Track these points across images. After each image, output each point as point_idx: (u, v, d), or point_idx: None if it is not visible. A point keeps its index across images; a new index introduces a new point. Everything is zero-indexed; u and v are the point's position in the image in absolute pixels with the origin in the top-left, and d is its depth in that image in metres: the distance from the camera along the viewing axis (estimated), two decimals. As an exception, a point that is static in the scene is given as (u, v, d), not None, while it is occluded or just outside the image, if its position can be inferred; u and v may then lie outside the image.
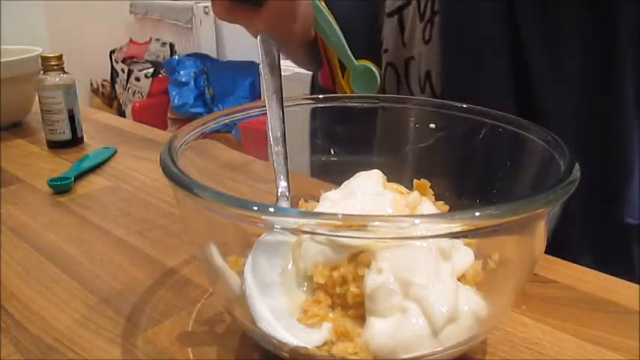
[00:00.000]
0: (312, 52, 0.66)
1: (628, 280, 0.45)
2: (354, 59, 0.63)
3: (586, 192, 0.56)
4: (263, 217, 0.29)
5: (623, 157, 0.57)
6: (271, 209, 0.29)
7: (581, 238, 0.58)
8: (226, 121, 0.44)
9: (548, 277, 0.45)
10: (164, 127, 2.73)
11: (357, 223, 0.28)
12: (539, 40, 0.55)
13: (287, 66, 0.56)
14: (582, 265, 0.47)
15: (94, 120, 0.95)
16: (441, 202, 0.42)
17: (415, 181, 0.43)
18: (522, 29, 0.55)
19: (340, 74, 0.65)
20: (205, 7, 2.88)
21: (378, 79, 0.62)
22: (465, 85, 0.59)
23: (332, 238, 0.33)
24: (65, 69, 0.80)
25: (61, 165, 0.73)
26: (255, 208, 0.28)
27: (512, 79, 0.57)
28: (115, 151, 0.77)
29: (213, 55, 2.95)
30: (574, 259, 0.48)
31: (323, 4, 0.61)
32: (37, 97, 0.81)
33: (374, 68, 0.63)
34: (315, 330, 0.32)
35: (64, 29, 3.41)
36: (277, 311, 0.33)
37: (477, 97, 0.55)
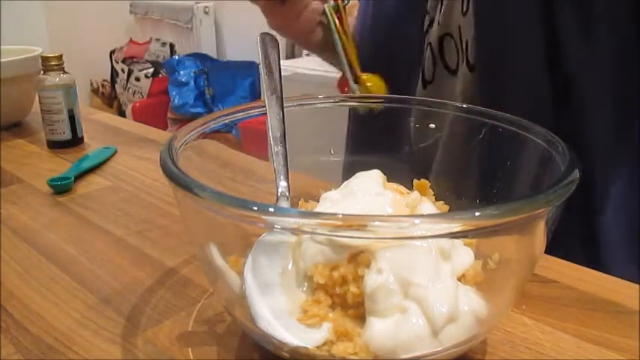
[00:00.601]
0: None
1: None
2: (353, 75, 0.63)
3: (626, 177, 0.55)
4: (263, 217, 0.29)
5: None
6: (271, 209, 0.29)
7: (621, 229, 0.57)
8: (226, 121, 0.44)
9: (548, 277, 0.45)
10: (164, 127, 2.74)
11: (357, 223, 0.28)
12: (570, 10, 0.54)
13: (287, 66, 0.57)
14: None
15: (94, 120, 0.95)
16: (441, 202, 0.42)
17: (415, 181, 0.43)
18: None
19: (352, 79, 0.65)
20: (205, 7, 2.89)
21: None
22: (496, 53, 0.59)
23: (332, 238, 0.33)
24: (65, 69, 0.80)
25: (61, 165, 0.73)
26: (255, 208, 0.28)
27: (542, 48, 0.55)
28: (115, 151, 0.77)
29: (213, 55, 2.95)
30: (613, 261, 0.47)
31: (332, 14, 0.61)
32: (37, 97, 0.81)
33: (370, 84, 0.62)
34: (315, 330, 0.32)
35: (64, 29, 3.41)
36: (277, 311, 0.33)
37: (508, 65, 0.55)
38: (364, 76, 0.63)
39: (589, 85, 0.55)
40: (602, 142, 0.55)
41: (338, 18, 0.62)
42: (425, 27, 0.66)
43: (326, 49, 0.65)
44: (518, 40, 0.57)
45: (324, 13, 0.62)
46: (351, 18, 0.74)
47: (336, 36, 0.62)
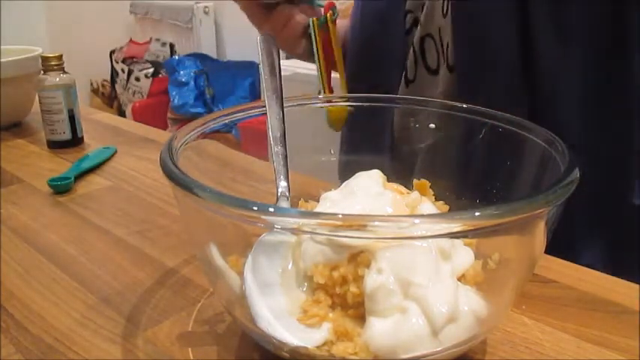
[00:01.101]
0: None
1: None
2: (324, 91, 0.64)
3: (593, 175, 0.56)
4: (263, 217, 0.29)
5: (629, 136, 0.56)
6: (271, 209, 0.29)
7: (591, 225, 0.58)
8: (226, 121, 0.44)
9: (548, 277, 0.45)
10: (164, 127, 2.74)
11: (357, 223, 0.28)
12: (543, 9, 0.55)
13: (287, 66, 0.57)
14: (594, 254, 0.47)
15: (94, 120, 0.95)
16: (441, 202, 0.42)
17: (415, 181, 0.43)
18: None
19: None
20: (205, 7, 2.89)
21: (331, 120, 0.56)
22: (474, 54, 0.60)
23: (332, 238, 0.33)
24: (65, 69, 0.80)
25: (61, 165, 0.73)
26: (255, 208, 0.28)
27: (517, 48, 0.57)
28: (115, 151, 0.77)
29: (213, 55, 2.95)
30: (582, 249, 0.48)
31: (315, 29, 0.62)
32: (37, 97, 0.81)
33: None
34: (315, 330, 0.32)
35: (64, 29, 3.41)
36: (277, 311, 0.33)
37: (485, 66, 0.55)
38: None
39: (563, 84, 0.56)
40: (578, 143, 0.56)
41: (326, 32, 0.63)
42: (408, 26, 0.67)
43: (311, 59, 0.66)
44: (495, 42, 0.58)
45: (309, 26, 0.63)
46: (345, 20, 0.74)
47: (315, 53, 0.63)
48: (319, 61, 0.64)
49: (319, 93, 0.66)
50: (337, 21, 0.66)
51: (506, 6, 0.56)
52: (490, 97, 0.57)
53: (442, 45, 0.63)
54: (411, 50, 0.66)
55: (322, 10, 0.65)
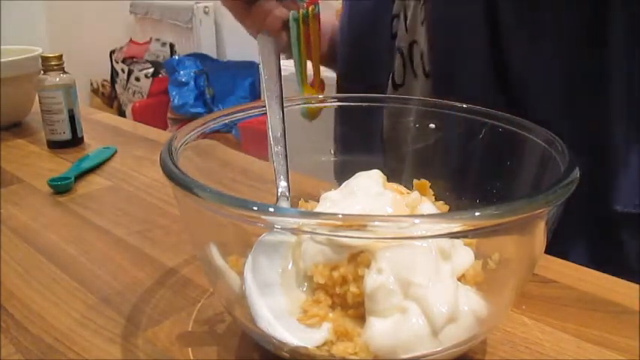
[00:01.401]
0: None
1: (622, 272, 0.45)
2: (300, 86, 0.64)
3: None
4: (263, 217, 0.29)
5: (607, 144, 0.57)
6: (271, 209, 0.29)
7: (573, 231, 0.58)
8: (226, 121, 0.44)
9: (548, 277, 0.45)
10: (164, 127, 2.73)
11: (357, 223, 0.28)
12: (512, 8, 0.56)
13: (287, 66, 0.57)
14: (575, 258, 0.47)
15: (94, 120, 0.95)
16: (441, 202, 0.42)
17: (415, 181, 0.43)
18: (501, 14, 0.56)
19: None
20: (205, 7, 2.88)
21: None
22: (447, 60, 0.61)
23: (332, 238, 0.33)
24: (65, 69, 0.80)
25: (61, 165, 0.73)
26: (255, 208, 0.28)
27: (490, 55, 0.58)
28: (115, 151, 0.77)
29: (213, 55, 2.95)
30: (566, 251, 0.48)
31: (295, 22, 0.62)
32: (37, 97, 0.81)
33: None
34: (315, 330, 0.32)
35: (64, 29, 3.41)
36: (277, 311, 0.33)
37: (458, 72, 0.57)
38: (306, 92, 0.64)
39: (537, 87, 0.57)
40: None
41: (306, 26, 0.63)
42: (394, 30, 0.67)
43: (290, 54, 0.66)
44: (467, 49, 0.60)
45: (288, 20, 0.62)
46: (331, 19, 0.75)
47: (295, 46, 0.63)
48: (299, 55, 0.63)
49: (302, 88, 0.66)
50: (321, 18, 0.65)
51: (477, 14, 0.57)
52: (464, 102, 0.59)
53: (422, 52, 0.64)
54: (400, 55, 0.66)
55: (305, 4, 0.65)
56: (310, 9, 0.63)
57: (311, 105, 0.50)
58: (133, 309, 0.42)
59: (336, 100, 0.50)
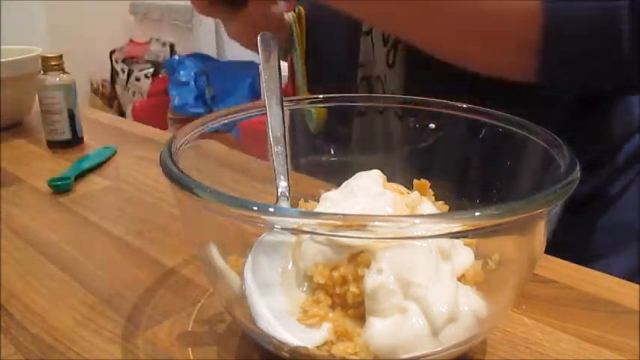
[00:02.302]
0: None
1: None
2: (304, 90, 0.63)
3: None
4: (263, 217, 0.29)
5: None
6: (271, 209, 0.29)
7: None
8: (226, 121, 0.44)
9: (548, 277, 0.45)
10: (164, 127, 2.73)
11: (357, 223, 0.28)
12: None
13: (287, 66, 0.57)
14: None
15: (94, 120, 0.95)
16: (441, 202, 0.42)
17: (415, 181, 0.43)
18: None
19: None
20: (205, 7, 2.88)
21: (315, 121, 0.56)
22: None
23: (332, 238, 0.33)
24: (65, 69, 0.80)
25: (61, 165, 0.73)
26: (255, 208, 0.28)
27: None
28: (115, 151, 0.77)
29: (213, 55, 2.95)
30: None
31: (295, 23, 0.61)
32: (37, 97, 0.81)
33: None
34: (315, 330, 0.32)
35: (64, 29, 3.41)
36: (277, 311, 0.33)
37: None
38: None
39: None
40: None
41: (300, 26, 0.62)
42: (360, 60, 0.67)
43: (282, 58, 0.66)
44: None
45: (287, 21, 0.61)
46: None
47: (296, 46, 0.62)
48: (299, 55, 0.63)
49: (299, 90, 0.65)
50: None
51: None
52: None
53: (387, 91, 0.64)
54: (365, 83, 0.67)
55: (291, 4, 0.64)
56: (300, 8, 0.62)
57: (316, 106, 0.49)
58: (133, 309, 0.42)
59: (336, 100, 0.50)
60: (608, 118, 0.63)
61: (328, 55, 0.69)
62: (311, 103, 0.49)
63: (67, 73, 0.80)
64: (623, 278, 0.45)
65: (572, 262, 0.47)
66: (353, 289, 0.32)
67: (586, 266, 0.47)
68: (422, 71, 0.58)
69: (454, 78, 0.53)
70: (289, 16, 0.61)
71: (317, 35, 0.68)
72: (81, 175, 0.69)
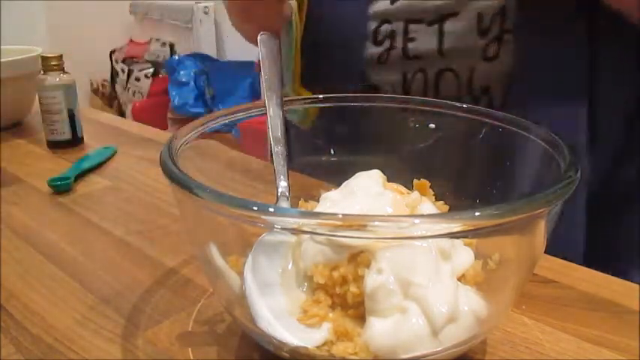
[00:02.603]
0: None
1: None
2: (289, 84, 0.62)
3: None
4: (263, 217, 0.29)
5: None
6: (271, 209, 0.29)
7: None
8: (226, 121, 0.44)
9: (548, 277, 0.45)
10: (164, 127, 2.73)
11: (357, 223, 0.28)
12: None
13: (287, 66, 0.57)
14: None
15: (94, 120, 0.95)
16: (441, 202, 0.42)
17: (415, 181, 0.43)
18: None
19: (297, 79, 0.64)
20: (205, 7, 2.88)
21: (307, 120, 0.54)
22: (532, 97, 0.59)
23: (332, 238, 0.33)
24: (65, 69, 0.80)
25: (61, 165, 0.73)
26: (255, 208, 0.28)
27: (585, 101, 0.57)
28: (115, 151, 0.77)
29: (213, 55, 2.95)
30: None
31: (296, 13, 0.60)
32: (37, 97, 0.81)
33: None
34: (315, 330, 0.32)
35: (64, 29, 3.41)
36: (277, 311, 0.33)
37: (543, 110, 0.56)
38: (302, 90, 0.63)
39: None
40: None
41: (300, 16, 0.61)
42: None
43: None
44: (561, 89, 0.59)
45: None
46: None
47: (293, 39, 0.61)
48: (294, 52, 0.62)
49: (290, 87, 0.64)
50: None
51: None
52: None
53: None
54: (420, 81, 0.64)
55: None
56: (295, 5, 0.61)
57: (316, 106, 0.49)
58: (133, 309, 0.42)
59: (336, 100, 0.50)
60: None
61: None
62: (311, 103, 0.49)
63: (67, 73, 0.80)
64: None
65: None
66: (353, 289, 0.32)
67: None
68: (533, 58, 0.58)
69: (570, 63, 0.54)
70: (290, 4, 0.60)
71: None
72: (81, 175, 0.69)
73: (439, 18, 0.61)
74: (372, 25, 0.64)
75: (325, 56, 0.67)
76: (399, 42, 0.63)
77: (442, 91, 0.63)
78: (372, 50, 0.64)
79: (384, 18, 0.63)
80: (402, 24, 0.62)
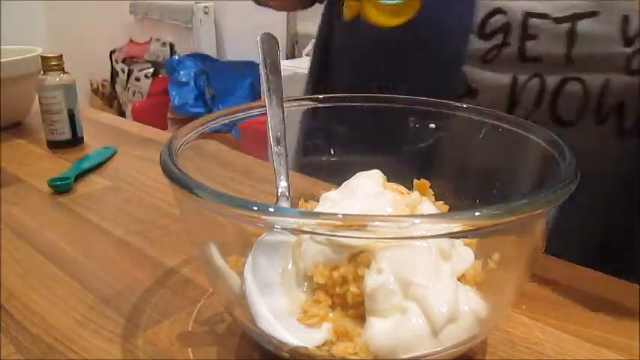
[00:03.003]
0: None
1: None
2: None
3: None
4: (263, 217, 0.29)
5: None
6: (271, 209, 0.29)
7: None
8: (226, 121, 0.44)
9: (548, 277, 0.45)
10: (164, 127, 2.73)
11: (357, 223, 0.28)
12: None
13: (287, 66, 0.57)
14: None
15: (94, 120, 0.95)
16: (441, 202, 0.42)
17: (415, 181, 0.43)
18: None
19: None
20: (205, 7, 2.89)
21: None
22: None
23: (332, 238, 0.33)
24: (65, 69, 0.80)
25: (61, 165, 0.73)
26: (255, 208, 0.28)
27: None
28: (115, 151, 0.77)
29: (213, 55, 2.95)
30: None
31: None
32: (37, 97, 0.81)
33: None
34: (315, 330, 0.32)
35: (64, 29, 3.41)
36: (277, 311, 0.33)
37: None
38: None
39: None
40: None
41: None
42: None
43: None
44: None
45: None
46: None
47: None
48: None
49: None
50: None
51: None
52: None
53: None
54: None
55: None
56: None
57: (316, 106, 0.49)
58: (133, 309, 0.42)
59: (336, 100, 0.50)
60: None
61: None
62: (310, 104, 0.49)
63: (67, 73, 0.80)
64: None
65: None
66: (353, 289, 0.33)
67: None
68: None
69: None
70: None
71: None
72: (81, 175, 0.69)
73: (572, 16, 0.51)
74: (481, 14, 0.53)
75: (416, 49, 0.58)
76: (514, 38, 0.53)
77: (561, 103, 0.54)
78: (477, 46, 0.54)
79: (498, 7, 0.53)
80: (519, 16, 0.52)
